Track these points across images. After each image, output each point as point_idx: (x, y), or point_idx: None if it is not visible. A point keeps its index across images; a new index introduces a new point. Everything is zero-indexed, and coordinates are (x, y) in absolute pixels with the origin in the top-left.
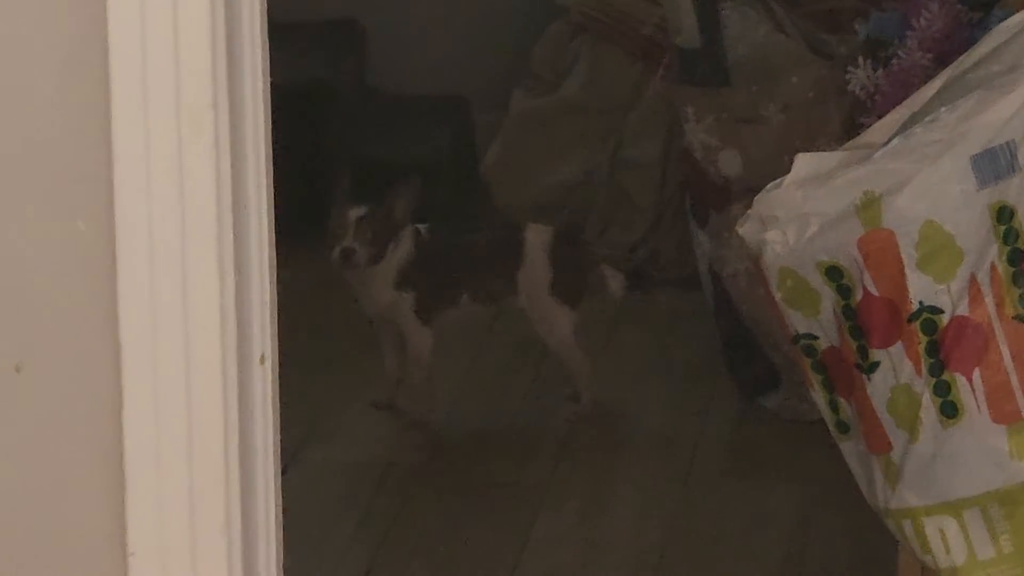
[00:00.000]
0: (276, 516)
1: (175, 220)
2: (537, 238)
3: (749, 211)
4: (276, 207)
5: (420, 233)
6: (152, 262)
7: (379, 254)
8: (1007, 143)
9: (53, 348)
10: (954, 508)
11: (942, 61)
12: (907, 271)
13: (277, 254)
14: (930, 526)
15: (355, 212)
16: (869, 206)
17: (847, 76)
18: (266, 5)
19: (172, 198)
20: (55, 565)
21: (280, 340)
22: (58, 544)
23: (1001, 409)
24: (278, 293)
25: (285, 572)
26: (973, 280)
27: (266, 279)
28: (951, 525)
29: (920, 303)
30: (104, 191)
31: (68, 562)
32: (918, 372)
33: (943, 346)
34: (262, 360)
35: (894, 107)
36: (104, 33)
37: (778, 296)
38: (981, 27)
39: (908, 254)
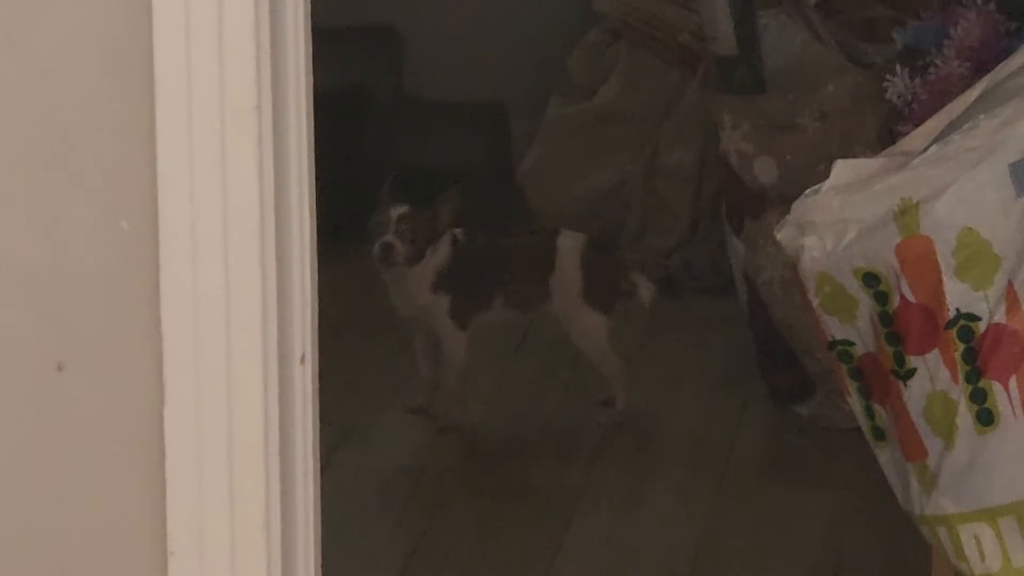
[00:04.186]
0: (315, 516)
1: (218, 220)
2: (569, 245)
3: (787, 217)
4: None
5: (456, 238)
6: (195, 262)
7: (418, 254)
8: None
9: (95, 347)
10: (990, 515)
11: (979, 70)
12: (944, 278)
13: None
14: (965, 533)
15: (397, 210)
16: (907, 213)
17: (884, 85)
18: (310, 8)
19: (215, 199)
20: (96, 563)
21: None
22: (99, 542)
23: None
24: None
25: (322, 573)
26: (1010, 287)
27: (307, 280)
28: (986, 532)
29: (957, 310)
30: (148, 191)
31: (109, 560)
32: (954, 379)
33: (980, 353)
34: (302, 360)
35: (930, 116)
36: (149, 35)
37: (815, 302)
38: (1019, 36)
39: (945, 261)
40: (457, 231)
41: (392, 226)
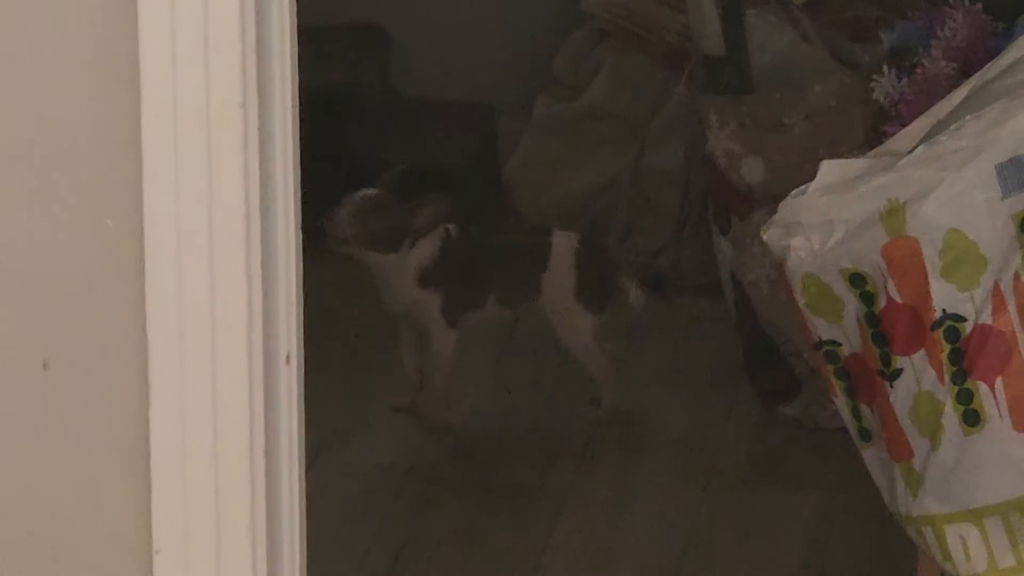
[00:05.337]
0: (301, 515)
1: (203, 219)
2: (563, 244)
3: (773, 217)
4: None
5: (449, 233)
6: (180, 261)
7: (376, 240)
8: None
9: (80, 345)
10: (975, 516)
11: (967, 70)
12: (930, 279)
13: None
14: (951, 534)
15: (365, 191)
16: (893, 213)
17: (871, 85)
18: (296, 6)
19: (200, 197)
20: (81, 561)
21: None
22: (84, 541)
23: (1023, 417)
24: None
25: (307, 572)
26: (996, 288)
27: (292, 279)
28: (972, 533)
29: (943, 311)
30: (133, 189)
31: (94, 558)
32: (940, 380)
33: (966, 354)
34: (288, 359)
35: (918, 116)
36: (134, 32)
37: (801, 302)
38: (1006, 36)
39: (932, 262)
40: (451, 227)
41: (352, 204)
